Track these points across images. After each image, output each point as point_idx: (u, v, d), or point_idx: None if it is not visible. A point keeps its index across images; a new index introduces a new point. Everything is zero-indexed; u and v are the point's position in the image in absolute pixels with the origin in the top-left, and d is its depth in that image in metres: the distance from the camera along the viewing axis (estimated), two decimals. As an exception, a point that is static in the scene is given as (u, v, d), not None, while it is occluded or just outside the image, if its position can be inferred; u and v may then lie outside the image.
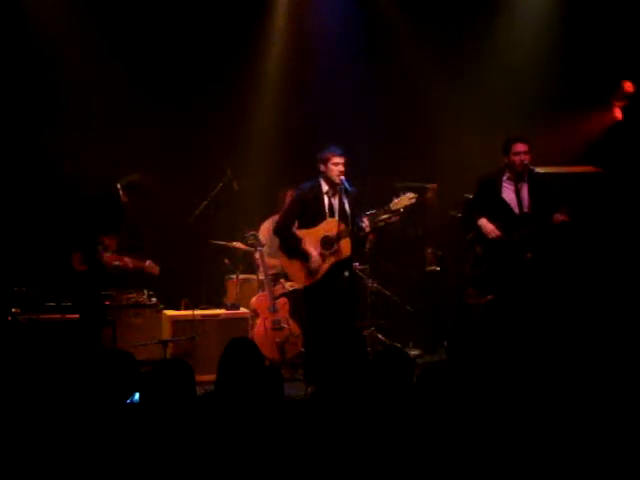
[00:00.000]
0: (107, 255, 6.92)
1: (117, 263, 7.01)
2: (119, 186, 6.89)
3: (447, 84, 8.92)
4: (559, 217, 6.69)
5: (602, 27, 8.38)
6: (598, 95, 8.28)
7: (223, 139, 8.85)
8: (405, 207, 7.03)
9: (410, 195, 7.00)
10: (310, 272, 6.93)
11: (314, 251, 6.88)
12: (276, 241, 7.49)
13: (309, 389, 6.55)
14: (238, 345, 4.01)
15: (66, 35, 8.23)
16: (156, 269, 7.25)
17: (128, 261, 7.12)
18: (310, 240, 6.93)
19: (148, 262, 7.24)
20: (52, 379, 5.38)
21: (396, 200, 6.97)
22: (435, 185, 8.73)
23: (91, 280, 6.96)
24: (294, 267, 7.05)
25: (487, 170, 7.17)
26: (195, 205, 8.21)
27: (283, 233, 7.08)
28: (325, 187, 6.91)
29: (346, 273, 7.07)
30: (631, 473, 3.45)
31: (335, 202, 6.92)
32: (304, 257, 6.90)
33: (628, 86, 8.01)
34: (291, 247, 6.96)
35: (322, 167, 6.87)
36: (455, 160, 8.90)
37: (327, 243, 6.91)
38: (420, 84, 9.04)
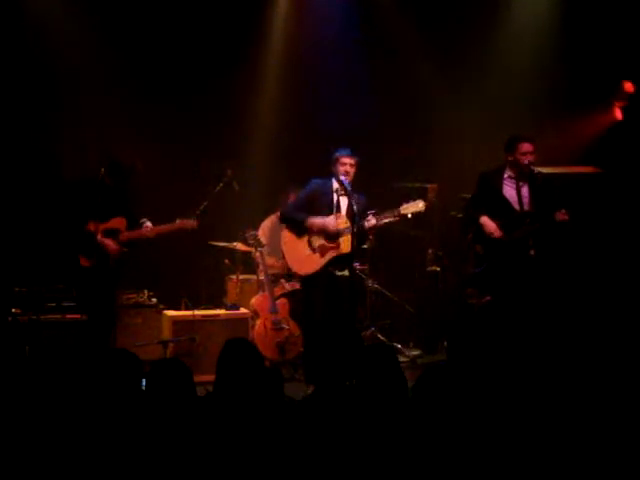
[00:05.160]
0: (123, 235, 6.82)
1: (150, 235, 6.90)
2: (102, 170, 6.86)
3: (447, 84, 8.92)
4: (560, 216, 6.68)
5: (602, 27, 8.38)
6: (598, 95, 8.28)
7: (223, 139, 8.86)
8: (413, 214, 7.05)
9: (420, 204, 7.00)
10: (329, 237, 6.93)
11: (325, 217, 6.93)
12: (276, 240, 7.50)
13: (309, 389, 6.58)
14: (235, 346, 4.01)
15: (66, 34, 8.23)
16: (190, 223, 7.13)
17: (162, 228, 6.97)
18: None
19: (178, 221, 7.17)
20: (52, 380, 5.38)
21: (405, 205, 6.99)
22: (435, 185, 8.74)
23: (98, 276, 6.80)
24: (296, 256, 7.03)
25: (485, 169, 7.17)
26: (195, 205, 8.21)
27: (288, 214, 7.10)
28: (335, 185, 7.02)
29: (346, 272, 7.10)
30: (631, 473, 3.45)
31: (343, 201, 7.01)
32: (317, 227, 6.91)
33: (628, 86, 8.02)
34: (299, 222, 6.96)
35: (333, 167, 6.99)
36: (455, 160, 8.91)
37: (330, 236, 6.97)
38: (420, 84, 9.04)
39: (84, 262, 6.75)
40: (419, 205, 7.00)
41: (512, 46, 8.90)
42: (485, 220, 6.86)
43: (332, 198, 7.03)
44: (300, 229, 7.03)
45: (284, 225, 7.17)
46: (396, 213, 6.99)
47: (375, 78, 9.21)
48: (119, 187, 6.85)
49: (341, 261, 7.02)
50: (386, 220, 7.03)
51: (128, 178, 6.82)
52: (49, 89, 8.32)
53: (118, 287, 7.25)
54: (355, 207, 6.81)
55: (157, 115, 8.49)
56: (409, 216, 7.04)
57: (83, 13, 8.30)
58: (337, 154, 6.97)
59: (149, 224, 6.99)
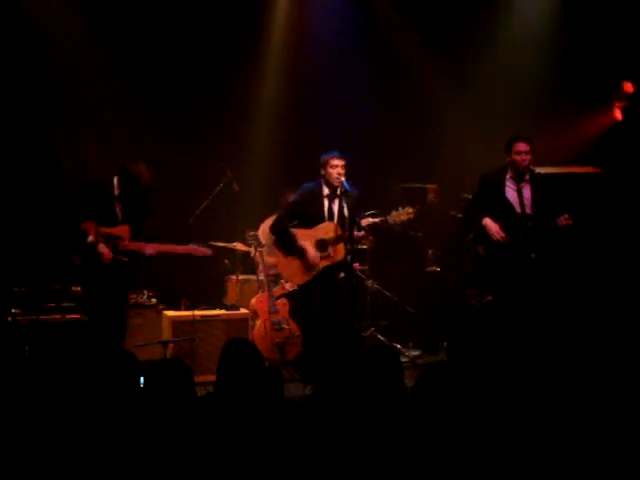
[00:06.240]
0: (124, 244, 6.71)
1: (151, 252, 6.82)
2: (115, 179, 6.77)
3: (447, 84, 8.93)
4: (563, 221, 6.67)
5: (602, 28, 8.39)
6: (598, 96, 8.28)
7: (223, 140, 8.86)
8: (402, 222, 7.11)
9: (409, 210, 7.08)
10: (307, 267, 6.99)
11: (310, 246, 6.96)
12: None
13: (307, 389, 6.59)
14: (236, 346, 4.01)
15: (67, 35, 8.23)
16: (202, 250, 7.07)
17: (156, 247, 6.82)
18: (306, 240, 7.00)
19: (192, 246, 7.10)
20: (52, 380, 5.38)
21: (395, 213, 7.07)
22: (435, 185, 8.75)
23: (99, 277, 6.66)
24: (289, 264, 7.11)
25: (487, 170, 7.17)
26: (195, 205, 8.21)
27: (279, 229, 7.17)
28: (326, 190, 7.05)
29: (341, 274, 7.13)
30: (631, 473, 3.45)
31: (335, 206, 7.05)
32: (300, 253, 6.97)
33: (628, 87, 8.02)
34: (286, 243, 7.04)
35: (322, 171, 7.02)
36: (455, 160, 8.91)
37: (322, 246, 7.00)
38: (420, 85, 9.05)
39: (80, 262, 6.70)
40: (408, 212, 7.06)
41: (512, 47, 8.91)
42: (488, 222, 6.85)
43: (323, 205, 7.05)
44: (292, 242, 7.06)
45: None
46: (384, 220, 7.05)
47: (375, 78, 9.21)
48: (127, 194, 6.69)
49: (335, 268, 7.06)
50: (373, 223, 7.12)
51: (136, 186, 6.64)
52: (49, 89, 8.31)
53: (128, 291, 7.23)
54: (347, 212, 6.84)
55: (157, 116, 8.49)
56: (398, 223, 7.10)
57: (83, 14, 8.29)
58: (326, 156, 6.99)
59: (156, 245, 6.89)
